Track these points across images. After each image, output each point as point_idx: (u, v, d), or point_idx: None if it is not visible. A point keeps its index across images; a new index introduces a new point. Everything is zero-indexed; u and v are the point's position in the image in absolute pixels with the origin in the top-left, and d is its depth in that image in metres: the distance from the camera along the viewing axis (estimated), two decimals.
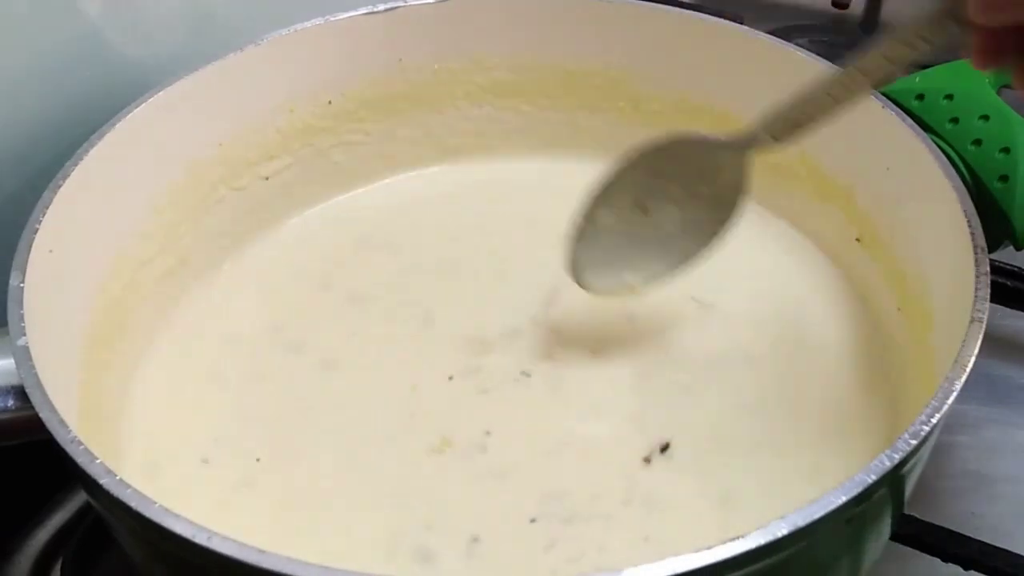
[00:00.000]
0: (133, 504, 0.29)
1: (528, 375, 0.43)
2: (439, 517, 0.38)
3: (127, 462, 0.40)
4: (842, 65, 0.36)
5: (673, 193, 0.42)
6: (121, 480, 0.29)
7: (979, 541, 0.40)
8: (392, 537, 0.37)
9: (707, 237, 0.42)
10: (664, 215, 0.42)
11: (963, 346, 0.33)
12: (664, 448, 0.40)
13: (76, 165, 0.40)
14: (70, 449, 0.31)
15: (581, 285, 0.44)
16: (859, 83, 0.36)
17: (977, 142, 0.42)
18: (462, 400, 0.42)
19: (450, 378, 0.43)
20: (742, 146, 0.40)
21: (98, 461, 0.30)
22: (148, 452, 0.41)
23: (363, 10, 0.49)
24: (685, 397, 0.42)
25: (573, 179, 0.53)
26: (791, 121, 0.38)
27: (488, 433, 0.41)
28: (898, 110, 0.43)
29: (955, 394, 0.32)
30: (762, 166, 0.50)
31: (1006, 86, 0.46)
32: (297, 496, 0.39)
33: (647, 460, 0.39)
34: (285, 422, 0.42)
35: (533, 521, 0.38)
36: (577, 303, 0.46)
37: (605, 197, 0.42)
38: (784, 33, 0.58)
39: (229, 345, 0.45)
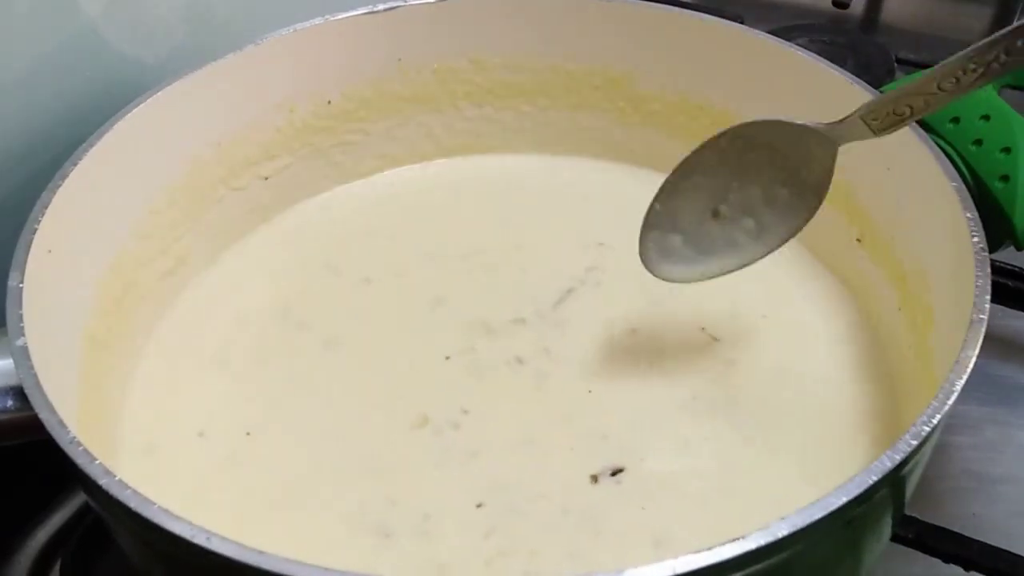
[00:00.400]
0: (132, 505, 0.29)
1: (521, 362, 0.44)
2: (403, 493, 0.39)
3: (125, 449, 0.41)
4: (943, 57, 0.34)
5: (750, 198, 0.41)
6: (120, 481, 0.29)
7: (980, 542, 0.40)
8: (358, 512, 0.38)
9: (775, 240, 0.41)
10: (736, 224, 0.41)
11: (964, 346, 0.33)
12: (615, 472, 0.39)
13: (75, 165, 0.40)
14: (69, 450, 0.30)
15: (647, 267, 0.42)
16: (971, 76, 0.34)
17: (978, 142, 0.42)
18: (451, 379, 0.43)
19: (447, 358, 0.44)
20: (838, 136, 0.38)
21: (97, 462, 0.30)
22: (145, 435, 0.41)
23: (363, 10, 0.49)
24: (658, 426, 0.41)
25: (574, 179, 0.54)
26: (896, 113, 0.36)
27: (466, 412, 0.42)
28: None
29: (956, 394, 0.32)
30: None
31: (1007, 86, 0.46)
32: (277, 470, 0.40)
33: (595, 478, 0.39)
34: (282, 397, 0.43)
35: (480, 506, 0.38)
36: (587, 309, 0.46)
37: (683, 184, 0.41)
38: (784, 33, 0.58)
39: (233, 329, 0.46)
